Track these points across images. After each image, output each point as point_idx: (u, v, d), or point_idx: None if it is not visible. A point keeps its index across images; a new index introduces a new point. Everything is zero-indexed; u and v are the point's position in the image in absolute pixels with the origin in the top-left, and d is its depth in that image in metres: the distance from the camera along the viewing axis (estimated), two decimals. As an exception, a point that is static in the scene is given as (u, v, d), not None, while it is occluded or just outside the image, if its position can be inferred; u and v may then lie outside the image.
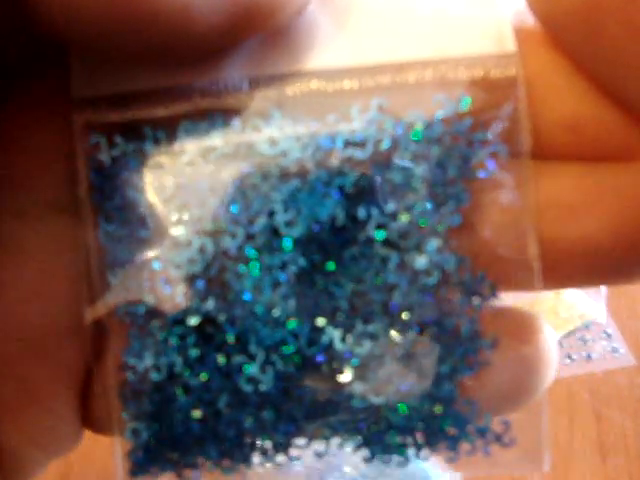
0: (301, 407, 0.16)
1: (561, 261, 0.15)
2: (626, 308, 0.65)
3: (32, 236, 0.15)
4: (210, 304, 0.15)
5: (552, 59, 0.14)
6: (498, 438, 0.16)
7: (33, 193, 0.15)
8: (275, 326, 0.15)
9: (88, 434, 0.17)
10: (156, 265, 0.15)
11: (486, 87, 0.15)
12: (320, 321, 0.15)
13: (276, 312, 0.15)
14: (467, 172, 0.15)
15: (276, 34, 0.14)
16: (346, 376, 0.16)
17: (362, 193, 0.15)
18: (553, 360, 0.16)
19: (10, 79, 0.15)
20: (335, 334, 0.15)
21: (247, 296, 0.15)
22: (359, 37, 0.15)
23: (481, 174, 0.15)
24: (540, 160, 0.15)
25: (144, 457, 0.16)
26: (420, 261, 0.15)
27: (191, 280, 0.15)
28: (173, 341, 0.15)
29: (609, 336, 0.64)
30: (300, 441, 0.16)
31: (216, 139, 0.15)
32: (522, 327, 0.16)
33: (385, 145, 0.15)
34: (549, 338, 0.16)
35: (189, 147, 0.15)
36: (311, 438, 0.16)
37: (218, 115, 0.15)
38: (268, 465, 0.16)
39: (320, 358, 0.15)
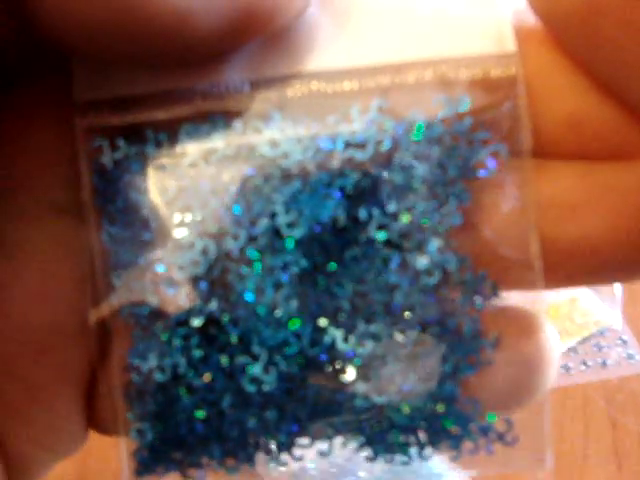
0: (304, 407, 0.16)
1: (562, 260, 0.15)
2: (642, 315, 0.65)
3: (34, 236, 0.15)
4: (213, 305, 0.15)
5: (552, 58, 0.14)
6: (501, 437, 0.16)
7: (33, 193, 0.15)
8: (278, 327, 0.15)
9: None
10: (159, 267, 0.15)
11: (486, 87, 0.15)
12: (322, 321, 0.15)
13: (278, 313, 0.15)
14: (468, 172, 0.15)
15: (276, 36, 0.14)
16: (349, 376, 0.16)
17: (363, 194, 0.15)
18: (555, 359, 0.16)
19: (10, 79, 0.15)
20: (337, 334, 0.15)
21: (250, 297, 0.15)
22: (359, 38, 0.15)
23: (482, 174, 0.15)
24: (541, 159, 0.15)
25: (149, 457, 0.16)
26: (421, 261, 0.15)
27: (194, 281, 0.15)
28: (177, 342, 0.16)
29: (625, 342, 0.63)
30: (303, 441, 0.16)
31: (217, 141, 0.15)
32: (524, 326, 0.16)
33: (385, 146, 0.15)
34: (551, 337, 0.16)
35: (191, 149, 0.15)
36: (314, 438, 0.16)
37: (219, 117, 0.15)
38: (282, 469, 0.16)
39: (323, 358, 0.16)
